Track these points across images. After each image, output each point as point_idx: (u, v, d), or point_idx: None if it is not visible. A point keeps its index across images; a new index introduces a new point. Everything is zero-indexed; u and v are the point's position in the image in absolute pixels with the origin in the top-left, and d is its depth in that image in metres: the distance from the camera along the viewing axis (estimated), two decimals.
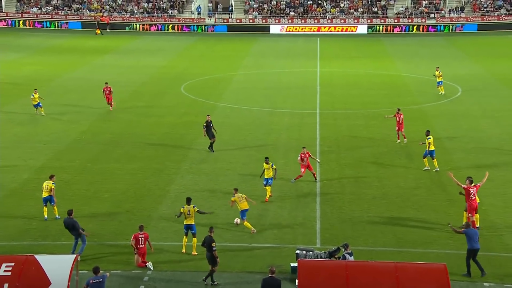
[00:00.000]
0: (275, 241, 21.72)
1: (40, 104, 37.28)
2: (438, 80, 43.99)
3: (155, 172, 28.43)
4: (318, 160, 28.91)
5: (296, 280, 17.15)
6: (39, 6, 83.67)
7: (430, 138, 28.45)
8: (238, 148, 32.11)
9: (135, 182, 27.19)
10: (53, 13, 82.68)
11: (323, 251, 19.89)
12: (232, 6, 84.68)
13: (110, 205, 24.66)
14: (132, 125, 36.42)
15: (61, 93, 43.75)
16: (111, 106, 39.01)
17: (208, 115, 31.75)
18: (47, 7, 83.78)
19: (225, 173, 28.42)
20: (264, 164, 25.58)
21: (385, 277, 16.39)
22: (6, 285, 15.90)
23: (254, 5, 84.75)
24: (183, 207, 20.94)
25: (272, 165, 25.46)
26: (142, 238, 19.81)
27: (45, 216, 23.01)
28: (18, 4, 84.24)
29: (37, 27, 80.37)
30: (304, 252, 19.70)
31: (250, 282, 18.89)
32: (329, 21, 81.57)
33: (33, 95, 37.28)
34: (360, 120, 37.74)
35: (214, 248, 18.83)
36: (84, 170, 28.50)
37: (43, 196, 22.98)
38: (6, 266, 16.23)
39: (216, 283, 18.89)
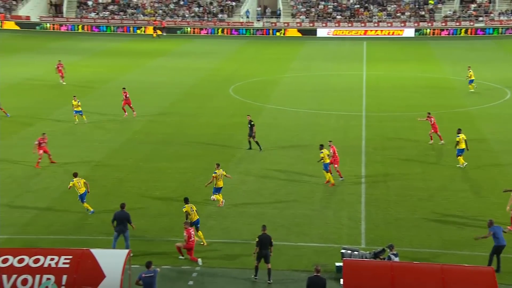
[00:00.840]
0: (320, 241, 22.08)
1: (81, 112, 36.65)
2: (469, 79, 45.15)
3: (204, 171, 29.13)
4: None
5: (341, 280, 17.29)
6: (96, 12, 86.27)
7: (458, 136, 28.97)
8: (285, 149, 32.60)
9: (185, 181, 28.00)
10: (109, 17, 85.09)
11: (368, 252, 20.09)
12: (280, 10, 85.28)
13: (161, 203, 25.48)
14: (182, 125, 37.37)
15: (116, 95, 44.98)
16: (131, 111, 38.15)
17: (248, 115, 32.41)
18: (104, 12, 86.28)
19: (272, 174, 28.94)
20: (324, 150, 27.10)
21: (430, 279, 16.32)
22: (64, 276, 16.63)
23: (302, 9, 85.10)
24: (185, 207, 21.68)
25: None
26: (193, 234, 20.55)
27: (92, 209, 24.07)
28: (78, 9, 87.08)
29: (94, 31, 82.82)
30: (350, 251, 19.92)
31: (296, 280, 19.26)
32: (375, 24, 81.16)
33: (72, 103, 36.77)
34: (405, 122, 37.71)
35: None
36: (136, 169, 29.50)
37: (80, 193, 23.90)
38: (65, 259, 16.95)
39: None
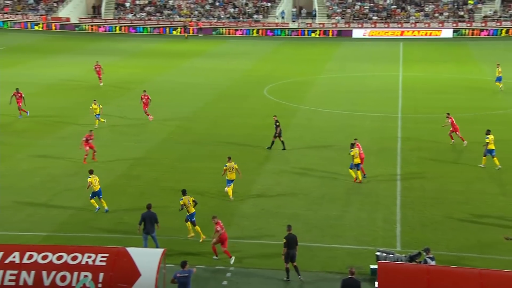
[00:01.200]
0: (355, 243, 21.93)
1: (99, 116, 36.08)
2: (497, 76, 44.82)
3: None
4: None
5: (376, 282, 17.15)
6: (134, 13, 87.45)
7: (488, 137, 28.69)
8: (319, 150, 32.47)
9: (219, 181, 28.02)
10: (146, 19, 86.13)
11: (403, 255, 19.85)
12: (315, 10, 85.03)
13: None
14: (216, 126, 37.55)
15: (152, 95, 45.26)
16: (148, 115, 37.75)
17: (275, 116, 32.52)
18: (141, 13, 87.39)
19: (307, 174, 28.86)
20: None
21: (468, 284, 16.06)
22: (101, 274, 16.86)
23: (337, 10, 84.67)
24: (182, 199, 22.11)
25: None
26: (220, 227, 20.62)
27: (97, 206, 24.44)
28: (116, 11, 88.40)
29: (131, 32, 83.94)
30: (385, 254, 19.72)
31: (330, 282, 19.18)
32: (412, 25, 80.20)
33: (92, 106, 36.21)
34: (442, 124, 37.13)
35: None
36: (171, 168, 29.75)
37: (94, 190, 24.26)
38: (101, 257, 17.18)
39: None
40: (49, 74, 52.67)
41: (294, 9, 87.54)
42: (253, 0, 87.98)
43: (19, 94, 37.97)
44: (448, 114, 33.21)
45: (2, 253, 17.14)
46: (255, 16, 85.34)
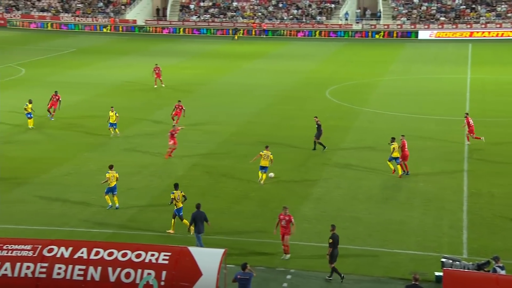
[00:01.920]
0: (419, 248, 21.41)
1: (115, 125, 34.76)
2: None
3: (298, 174, 29.11)
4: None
5: None
6: (198, 15, 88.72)
7: (392, 144, 28.46)
8: (381, 153, 31.81)
9: (279, 183, 28.02)
10: (210, 20, 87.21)
11: (471, 263, 19.25)
12: (380, 12, 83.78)
13: (256, 204, 25.63)
14: (278, 127, 37.49)
15: (214, 96, 46.04)
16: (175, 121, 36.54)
17: (316, 117, 32.58)
18: (205, 15, 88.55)
19: (368, 178, 28.42)
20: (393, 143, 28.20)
21: None
22: (164, 272, 17.07)
23: (403, 11, 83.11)
24: (173, 193, 22.64)
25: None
26: (285, 220, 20.62)
27: (110, 204, 24.86)
28: (180, 13, 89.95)
29: (195, 33, 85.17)
30: (451, 261, 19.18)
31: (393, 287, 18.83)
32: (483, 26, 77.80)
33: (110, 114, 34.86)
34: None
35: None
36: (232, 170, 29.88)
37: (110, 186, 24.66)
38: (164, 255, 17.40)
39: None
40: (115, 75, 54.00)
41: (358, 10, 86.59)
42: (317, 2, 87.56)
43: (57, 97, 39.06)
44: (467, 114, 33.14)
45: (71, 248, 17.70)
46: (318, 18, 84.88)
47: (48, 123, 37.80)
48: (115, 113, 34.89)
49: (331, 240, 19.30)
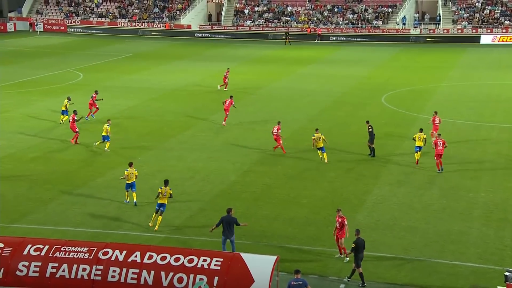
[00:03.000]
0: (479, 261, 20.57)
1: (108, 138, 32.85)
2: None
3: (353, 181, 28.54)
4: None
5: None
6: (252, 19, 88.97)
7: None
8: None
9: (333, 190, 27.54)
10: (264, 25, 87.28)
11: None
12: (440, 16, 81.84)
13: (308, 211, 25.23)
14: (331, 134, 36.82)
15: (266, 101, 45.83)
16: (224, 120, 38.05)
17: (368, 121, 32.40)
18: (259, 20, 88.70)
19: (424, 186, 27.60)
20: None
21: None
22: (216, 278, 16.96)
23: (464, 15, 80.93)
24: (161, 188, 23.17)
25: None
26: (339, 223, 20.69)
27: (127, 200, 25.67)
28: (235, 18, 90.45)
29: (249, 38, 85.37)
30: None
31: None
32: None
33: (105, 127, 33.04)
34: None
35: None
36: (285, 176, 29.54)
37: (128, 182, 25.31)
38: (216, 261, 17.31)
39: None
40: (170, 80, 54.55)
41: (417, 14, 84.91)
42: (373, 6, 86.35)
43: (94, 98, 39.76)
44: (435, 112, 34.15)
45: (125, 251, 17.83)
46: (374, 22, 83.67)
47: (100, 127, 38.25)
48: (107, 125, 32.79)
49: (353, 245, 19.15)
